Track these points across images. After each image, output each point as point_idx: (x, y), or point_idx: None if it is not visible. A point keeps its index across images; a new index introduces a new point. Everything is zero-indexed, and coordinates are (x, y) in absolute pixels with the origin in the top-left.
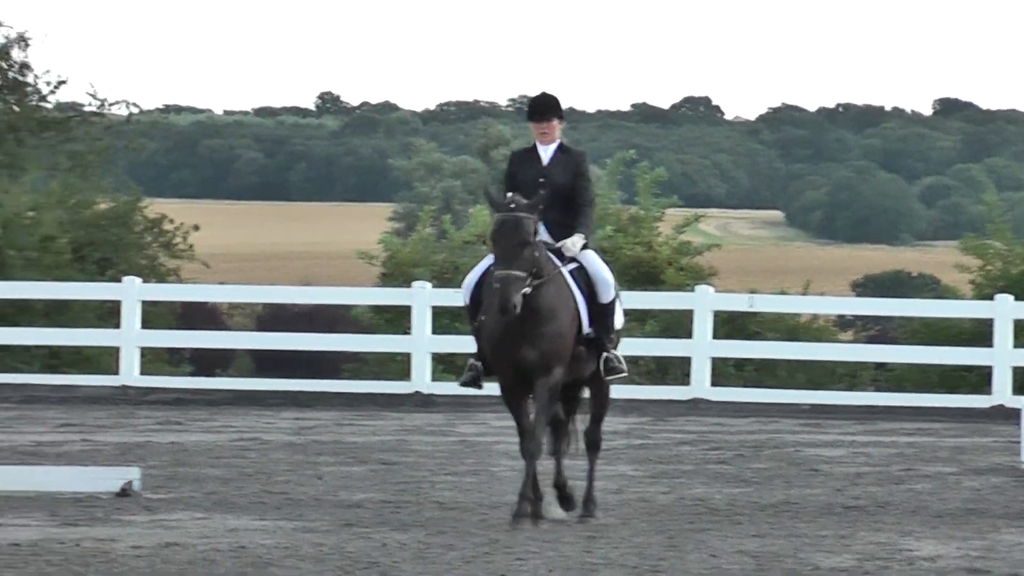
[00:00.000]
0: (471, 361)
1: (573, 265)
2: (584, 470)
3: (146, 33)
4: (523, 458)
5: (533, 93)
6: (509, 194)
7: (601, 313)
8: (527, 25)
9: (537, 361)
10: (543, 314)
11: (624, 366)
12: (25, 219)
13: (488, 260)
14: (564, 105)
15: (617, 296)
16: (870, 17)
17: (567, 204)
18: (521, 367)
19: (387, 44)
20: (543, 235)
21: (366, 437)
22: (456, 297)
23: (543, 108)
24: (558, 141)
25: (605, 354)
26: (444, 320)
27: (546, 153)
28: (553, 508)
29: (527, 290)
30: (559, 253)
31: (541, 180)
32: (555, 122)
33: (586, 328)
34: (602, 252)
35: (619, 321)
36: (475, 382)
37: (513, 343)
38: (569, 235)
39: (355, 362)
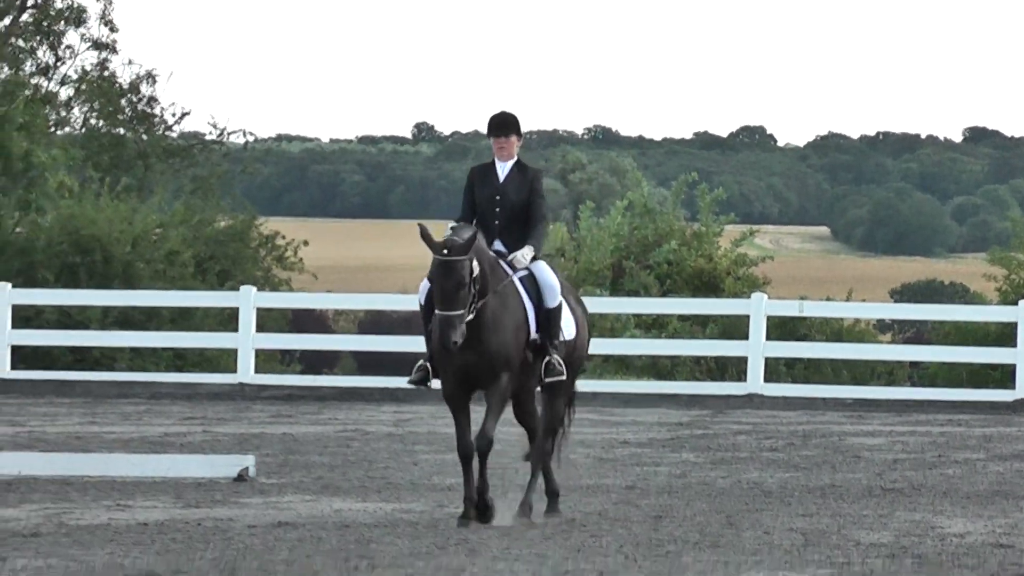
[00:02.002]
0: (421, 362)
1: (523, 273)
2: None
3: (261, 70)
4: (459, 460)
5: (607, 123)
6: (447, 233)
7: (547, 318)
8: (600, 62)
9: (482, 368)
10: (486, 325)
11: (563, 368)
12: (153, 236)
13: None
14: (634, 133)
15: (571, 308)
16: (907, 53)
17: (523, 220)
18: (466, 373)
19: (476, 79)
20: (497, 245)
21: None
22: None
23: (503, 125)
24: (515, 158)
25: (547, 357)
26: None
27: (503, 170)
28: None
29: (470, 317)
30: (511, 264)
31: (497, 198)
32: (513, 138)
33: (533, 334)
34: (668, 264)
35: (569, 331)
36: (423, 382)
37: (460, 352)
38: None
39: None
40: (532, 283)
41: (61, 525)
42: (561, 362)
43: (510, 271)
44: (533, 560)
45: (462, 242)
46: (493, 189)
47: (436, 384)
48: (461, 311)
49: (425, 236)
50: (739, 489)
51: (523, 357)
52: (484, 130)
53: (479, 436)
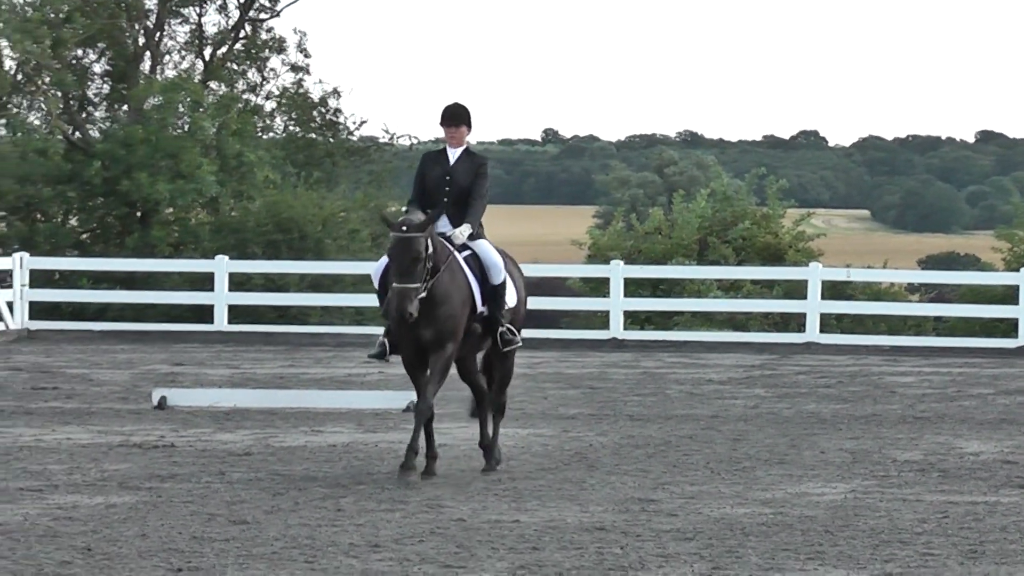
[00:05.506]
0: (380, 338)
1: (467, 253)
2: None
3: (423, 86)
4: (415, 418)
5: (694, 128)
6: (404, 213)
7: (493, 293)
8: (691, 81)
9: (432, 339)
10: (437, 300)
11: (518, 338)
12: (338, 218)
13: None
14: (716, 136)
15: (508, 280)
16: (931, 72)
17: (467, 200)
18: (419, 344)
19: (592, 92)
20: (443, 227)
21: (578, 369)
22: (644, 271)
23: (454, 116)
24: (464, 146)
25: (500, 329)
26: (632, 288)
27: (453, 155)
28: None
29: (423, 294)
30: (450, 240)
31: (447, 178)
32: (463, 128)
33: (480, 307)
34: (742, 239)
35: (511, 300)
36: (382, 356)
37: (413, 324)
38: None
39: (569, 317)
40: (476, 261)
41: (268, 446)
42: (514, 331)
43: (454, 251)
44: (638, 474)
45: (418, 221)
46: (444, 171)
47: (394, 358)
48: (417, 284)
49: (384, 217)
50: (800, 417)
51: (468, 328)
52: (597, 134)
53: (421, 401)
